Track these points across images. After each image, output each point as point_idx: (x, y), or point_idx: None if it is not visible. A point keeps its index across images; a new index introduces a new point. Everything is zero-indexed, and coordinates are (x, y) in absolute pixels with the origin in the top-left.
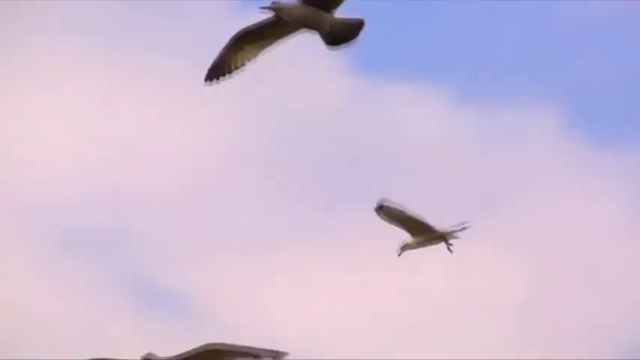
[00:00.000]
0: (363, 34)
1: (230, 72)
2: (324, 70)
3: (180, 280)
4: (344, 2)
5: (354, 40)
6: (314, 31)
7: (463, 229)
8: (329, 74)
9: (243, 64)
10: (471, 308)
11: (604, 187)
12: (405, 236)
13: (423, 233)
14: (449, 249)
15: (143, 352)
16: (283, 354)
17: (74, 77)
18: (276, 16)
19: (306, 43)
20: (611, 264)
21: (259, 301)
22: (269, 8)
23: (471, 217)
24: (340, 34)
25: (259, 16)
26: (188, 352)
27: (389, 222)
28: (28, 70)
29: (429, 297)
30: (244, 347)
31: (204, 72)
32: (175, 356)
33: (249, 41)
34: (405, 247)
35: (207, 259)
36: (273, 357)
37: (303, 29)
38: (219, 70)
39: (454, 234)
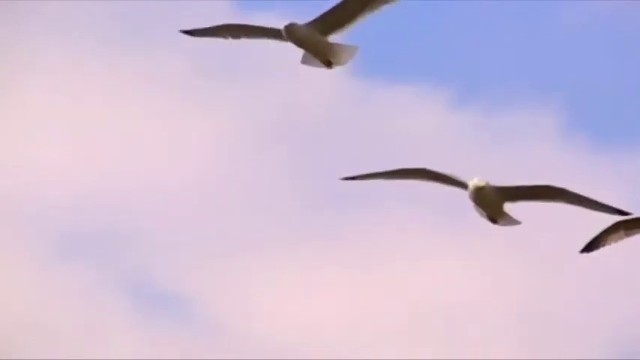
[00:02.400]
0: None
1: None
2: (324, 72)
3: (179, 281)
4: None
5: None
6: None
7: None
8: (329, 77)
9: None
10: (472, 308)
11: (603, 188)
12: None
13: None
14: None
15: (143, 353)
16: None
17: (74, 79)
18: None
19: None
20: (611, 264)
21: (260, 302)
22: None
23: (471, 216)
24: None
25: (258, 15)
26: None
27: None
28: (27, 71)
29: (430, 297)
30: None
31: (204, 72)
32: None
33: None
34: None
35: (207, 261)
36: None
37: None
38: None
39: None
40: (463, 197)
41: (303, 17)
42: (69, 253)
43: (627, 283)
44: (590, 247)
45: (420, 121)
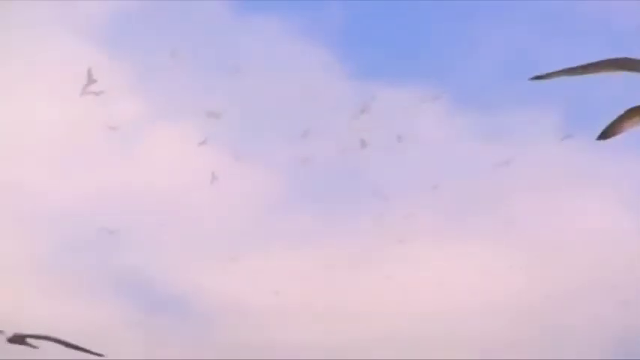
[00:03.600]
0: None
1: None
2: (324, 72)
3: (179, 281)
4: None
5: None
6: None
7: None
8: (329, 77)
9: None
10: (472, 309)
11: (603, 188)
12: None
13: None
14: None
15: (143, 353)
16: None
17: (74, 79)
18: None
19: (306, 49)
20: (610, 264)
21: (260, 303)
22: None
23: (471, 217)
24: None
25: (259, 16)
26: None
27: None
28: (27, 72)
29: (429, 298)
30: None
31: (203, 71)
32: None
33: None
34: None
35: (207, 261)
36: None
37: None
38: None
39: None
40: (463, 198)
41: (302, 17)
42: (69, 253)
43: (628, 284)
44: (605, 134)
45: (420, 122)
